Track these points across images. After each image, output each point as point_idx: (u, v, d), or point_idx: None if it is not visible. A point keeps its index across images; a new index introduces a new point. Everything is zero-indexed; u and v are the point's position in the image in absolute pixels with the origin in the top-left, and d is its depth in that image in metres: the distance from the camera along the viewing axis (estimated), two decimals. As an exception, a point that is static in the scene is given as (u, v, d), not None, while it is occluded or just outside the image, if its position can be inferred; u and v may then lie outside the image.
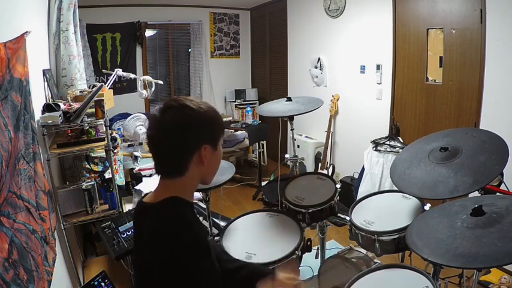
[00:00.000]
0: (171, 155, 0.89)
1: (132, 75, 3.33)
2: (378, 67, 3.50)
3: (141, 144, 3.39)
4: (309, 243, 1.71)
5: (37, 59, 2.08)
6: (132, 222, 2.03)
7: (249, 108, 5.23)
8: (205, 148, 0.90)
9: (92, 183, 2.32)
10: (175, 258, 0.81)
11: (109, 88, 2.93)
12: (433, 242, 1.08)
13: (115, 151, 2.73)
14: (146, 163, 3.06)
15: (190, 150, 0.89)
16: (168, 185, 0.92)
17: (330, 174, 3.76)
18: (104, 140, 2.31)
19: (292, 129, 2.32)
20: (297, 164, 2.34)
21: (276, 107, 2.30)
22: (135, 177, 2.90)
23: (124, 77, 3.25)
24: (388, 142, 3.36)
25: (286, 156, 2.38)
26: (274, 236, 1.76)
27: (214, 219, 2.48)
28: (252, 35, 5.93)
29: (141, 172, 2.93)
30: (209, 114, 0.91)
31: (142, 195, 1.07)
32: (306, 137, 4.52)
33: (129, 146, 3.49)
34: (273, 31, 5.30)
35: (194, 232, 0.86)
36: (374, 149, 3.39)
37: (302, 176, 2.24)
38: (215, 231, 2.13)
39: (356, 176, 3.66)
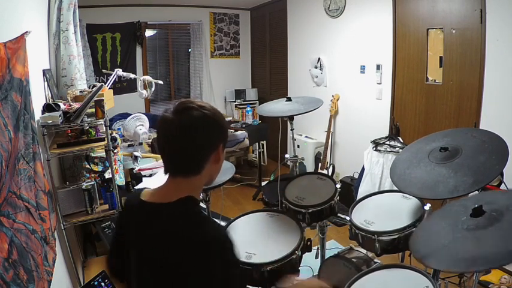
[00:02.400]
0: (193, 154, 0.90)
1: (132, 75, 3.33)
2: (378, 67, 3.50)
3: (141, 144, 3.39)
4: (309, 243, 1.71)
5: (37, 59, 2.08)
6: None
7: (249, 108, 5.23)
8: (221, 146, 0.95)
9: (92, 183, 2.32)
10: (215, 254, 0.85)
11: (109, 88, 2.93)
12: (435, 248, 1.07)
13: (115, 151, 2.73)
14: (146, 163, 3.06)
15: (210, 149, 0.92)
16: (180, 184, 0.92)
17: (330, 174, 3.77)
18: (104, 140, 2.31)
19: (292, 129, 2.32)
20: (297, 164, 2.34)
21: (276, 107, 2.30)
22: (135, 177, 2.90)
23: (124, 77, 3.25)
24: (388, 142, 3.36)
25: (286, 156, 2.38)
26: (274, 236, 1.76)
27: (214, 219, 2.47)
28: (252, 35, 5.92)
29: (141, 172, 2.93)
30: (222, 115, 0.97)
31: (136, 192, 1.01)
32: (306, 137, 4.52)
33: (129, 146, 3.49)
34: (273, 31, 5.30)
35: (222, 228, 0.95)
36: (374, 149, 3.39)
37: (302, 176, 2.24)
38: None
39: (356, 176, 3.66)
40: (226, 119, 5.18)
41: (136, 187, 2.66)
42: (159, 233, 0.89)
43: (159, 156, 2.11)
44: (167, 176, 0.94)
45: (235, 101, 5.56)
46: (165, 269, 0.87)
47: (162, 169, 0.96)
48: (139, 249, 0.95)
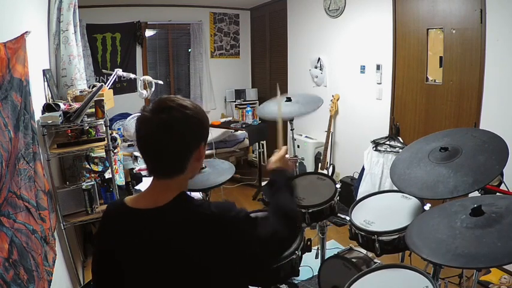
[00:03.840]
0: (176, 155, 0.89)
1: (132, 75, 3.33)
2: (378, 67, 3.50)
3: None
4: (309, 243, 1.71)
5: (37, 59, 2.08)
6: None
7: (249, 108, 5.23)
8: (203, 145, 0.94)
9: (92, 183, 2.32)
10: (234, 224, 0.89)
11: (109, 88, 2.93)
12: (433, 242, 1.08)
13: (115, 151, 2.73)
14: (146, 163, 3.06)
15: (193, 148, 0.91)
16: (167, 185, 0.91)
17: (330, 174, 3.77)
18: (104, 140, 2.31)
19: (292, 129, 2.32)
20: (297, 164, 2.34)
21: (276, 108, 2.29)
22: (135, 177, 2.91)
23: (124, 77, 3.26)
24: (388, 142, 3.36)
25: (286, 156, 2.37)
26: (274, 236, 1.76)
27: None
28: (252, 35, 5.92)
29: (141, 172, 2.93)
30: (203, 113, 0.95)
31: (116, 203, 0.97)
32: (306, 137, 4.52)
33: (129, 146, 3.49)
34: (273, 31, 5.30)
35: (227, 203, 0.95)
36: (374, 149, 3.39)
37: (302, 176, 2.24)
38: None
39: (356, 176, 3.66)
40: (227, 119, 5.21)
41: (136, 187, 2.67)
42: (167, 235, 0.87)
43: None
44: (152, 178, 0.92)
45: (235, 101, 5.55)
46: (191, 267, 0.86)
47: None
48: (142, 258, 0.89)
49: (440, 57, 2.97)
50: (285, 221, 0.99)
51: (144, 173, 2.92)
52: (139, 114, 0.90)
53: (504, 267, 2.43)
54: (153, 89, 3.42)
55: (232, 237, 0.88)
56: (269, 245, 0.94)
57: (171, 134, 0.86)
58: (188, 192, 0.95)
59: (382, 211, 1.76)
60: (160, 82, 3.63)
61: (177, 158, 0.89)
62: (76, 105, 2.21)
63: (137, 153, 3.16)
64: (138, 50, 5.09)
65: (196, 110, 0.91)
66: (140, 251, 0.89)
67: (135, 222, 0.90)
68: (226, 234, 0.87)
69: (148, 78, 3.37)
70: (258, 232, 0.93)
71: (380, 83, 3.52)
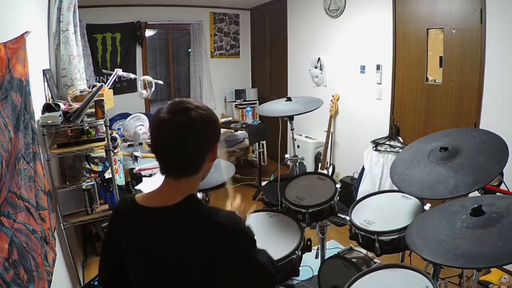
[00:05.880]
0: (193, 155, 0.90)
1: (132, 75, 3.33)
2: (378, 67, 3.50)
3: (141, 144, 3.39)
4: (309, 243, 1.71)
5: (37, 59, 2.08)
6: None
7: (249, 108, 5.23)
8: (216, 145, 0.96)
9: (92, 183, 2.32)
10: (240, 247, 0.90)
11: (109, 88, 2.93)
12: (433, 242, 1.08)
13: (115, 151, 2.73)
14: (146, 163, 3.07)
15: (209, 148, 0.93)
16: (180, 185, 0.91)
17: (330, 174, 3.77)
18: (104, 140, 2.31)
19: (292, 129, 2.32)
20: (297, 164, 2.34)
21: (276, 107, 2.30)
22: (135, 177, 2.91)
23: (124, 77, 3.25)
24: (388, 142, 3.36)
25: (286, 156, 2.38)
26: (274, 236, 1.76)
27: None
28: (252, 35, 5.92)
29: (141, 172, 2.93)
30: (215, 113, 0.97)
31: (127, 199, 0.99)
32: (306, 137, 4.52)
33: (129, 146, 3.49)
34: (273, 31, 5.30)
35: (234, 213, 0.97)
36: (374, 149, 3.39)
37: (302, 176, 2.24)
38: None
39: (356, 176, 3.66)
40: (227, 119, 5.21)
41: (136, 187, 2.66)
42: (175, 235, 0.88)
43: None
44: (164, 177, 0.93)
45: (235, 101, 5.55)
46: (190, 269, 0.88)
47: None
48: (151, 256, 0.90)
49: (440, 57, 2.97)
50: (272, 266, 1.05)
51: (144, 173, 2.92)
52: (155, 116, 0.90)
53: (504, 267, 2.43)
54: (153, 89, 3.42)
55: (234, 248, 0.89)
56: (263, 269, 0.98)
57: (189, 134, 0.87)
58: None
59: (382, 211, 1.76)
60: (160, 82, 3.63)
61: (194, 159, 0.91)
62: (76, 105, 2.21)
63: (137, 153, 3.16)
64: (138, 50, 5.10)
65: (209, 110, 0.93)
66: (146, 248, 0.91)
67: (144, 220, 0.92)
68: (230, 244, 0.88)
69: (148, 78, 3.37)
70: (258, 252, 0.98)
71: (380, 83, 3.52)
